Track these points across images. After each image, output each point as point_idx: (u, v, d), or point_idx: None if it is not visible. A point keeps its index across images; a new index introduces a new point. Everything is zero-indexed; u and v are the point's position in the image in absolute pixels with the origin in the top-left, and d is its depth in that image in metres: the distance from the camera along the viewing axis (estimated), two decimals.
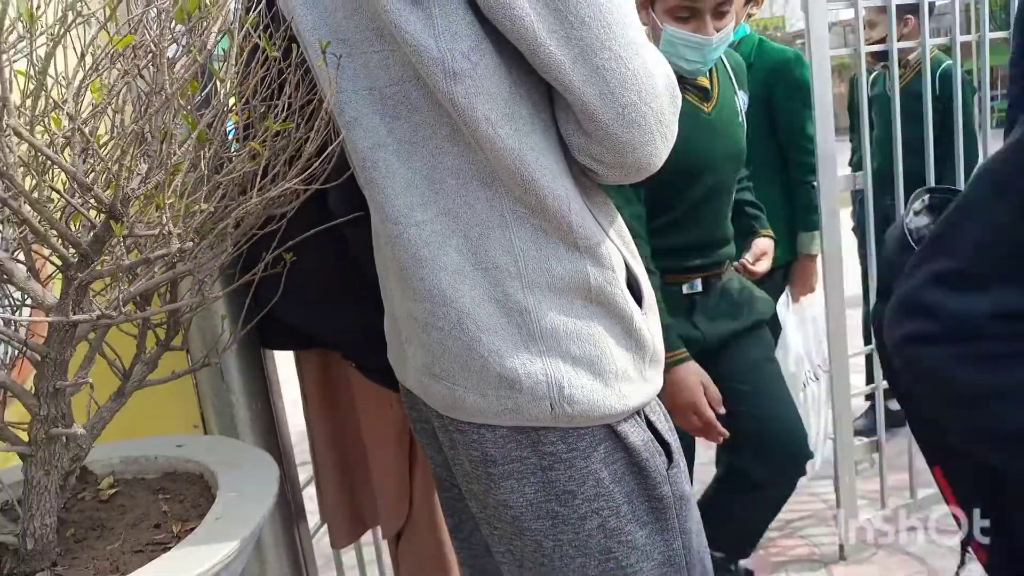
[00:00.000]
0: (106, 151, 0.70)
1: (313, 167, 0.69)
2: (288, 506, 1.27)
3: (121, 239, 0.59)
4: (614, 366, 0.76)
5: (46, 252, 0.73)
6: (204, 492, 0.85)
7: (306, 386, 1.38)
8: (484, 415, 0.76)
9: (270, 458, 0.84)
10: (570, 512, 0.77)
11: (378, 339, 0.98)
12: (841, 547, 2.06)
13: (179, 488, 0.87)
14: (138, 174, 0.62)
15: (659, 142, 0.70)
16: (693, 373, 1.46)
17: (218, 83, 0.78)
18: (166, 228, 0.61)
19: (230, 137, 0.87)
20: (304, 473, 1.57)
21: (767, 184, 1.98)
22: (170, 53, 0.67)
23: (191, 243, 0.63)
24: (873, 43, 2.14)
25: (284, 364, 1.37)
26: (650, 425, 0.80)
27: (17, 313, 0.79)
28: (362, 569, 1.67)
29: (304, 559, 1.29)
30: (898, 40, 1.97)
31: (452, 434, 0.81)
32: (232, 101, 0.81)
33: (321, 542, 1.67)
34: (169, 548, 0.71)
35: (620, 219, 0.82)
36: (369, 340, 1.07)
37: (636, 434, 0.78)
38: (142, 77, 0.69)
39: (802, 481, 2.47)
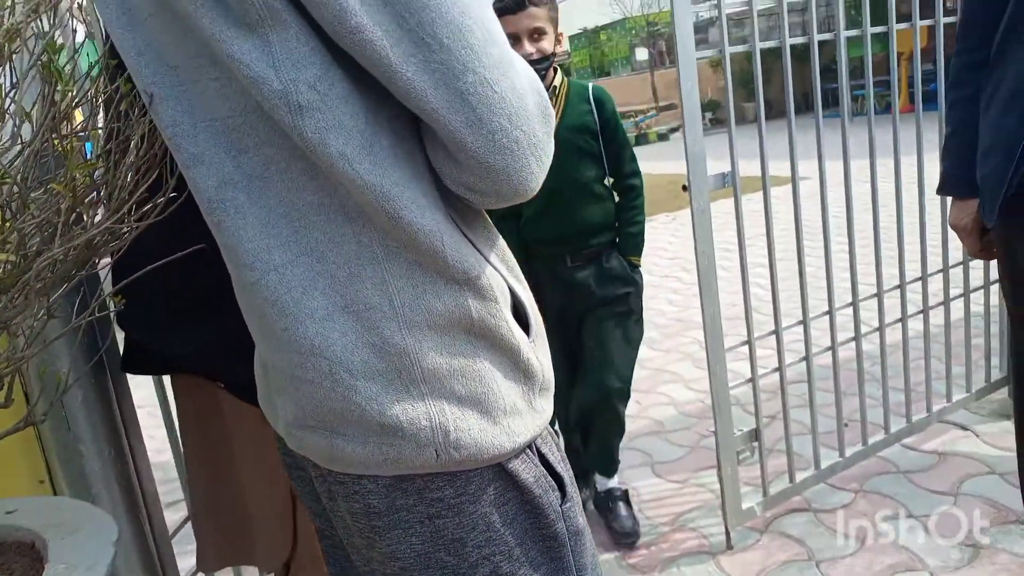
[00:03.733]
0: None
1: (125, 208, 0.63)
2: (151, 556, 1.19)
3: None
4: (502, 402, 0.72)
5: None
6: (35, 564, 0.77)
7: (180, 414, 1.31)
8: (366, 465, 0.71)
9: (110, 520, 0.77)
10: (460, 561, 0.73)
11: (243, 351, 0.91)
12: (728, 536, 2.13)
13: (7, 561, 0.79)
14: None
15: (534, 166, 0.66)
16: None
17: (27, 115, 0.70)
18: None
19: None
20: (179, 513, 1.48)
21: None
22: None
23: None
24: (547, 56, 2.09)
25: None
26: (542, 458, 0.77)
27: None
28: None
29: None
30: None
31: (331, 485, 0.76)
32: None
33: None
34: None
35: (502, 242, 0.78)
36: (233, 353, 0.99)
37: (528, 471, 0.75)
38: None
39: (688, 474, 2.58)
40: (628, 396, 2.25)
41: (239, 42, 0.60)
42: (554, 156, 2.11)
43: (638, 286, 2.24)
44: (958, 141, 1.45)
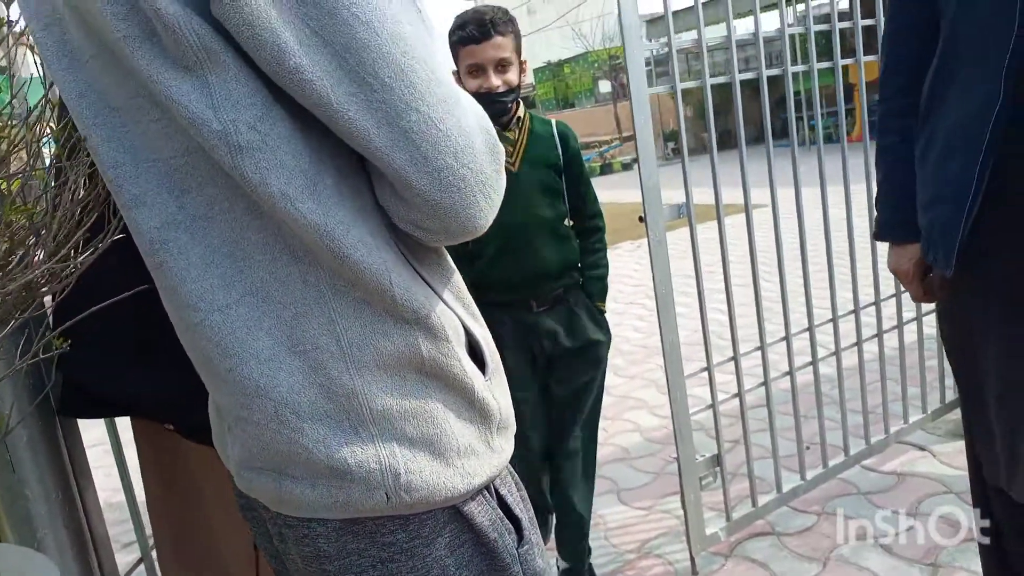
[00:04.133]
0: None
1: (66, 248, 0.63)
2: None
3: None
4: (455, 443, 0.71)
5: None
6: None
7: (140, 454, 1.30)
8: (314, 509, 0.69)
9: (52, 566, 0.76)
10: None
11: (190, 393, 0.90)
12: (692, 562, 2.13)
13: None
14: None
15: (483, 203, 0.65)
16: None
17: None
18: None
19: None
20: (132, 554, 1.44)
21: None
22: None
23: None
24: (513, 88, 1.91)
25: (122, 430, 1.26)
26: (500, 499, 0.76)
27: None
28: None
29: None
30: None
31: (281, 528, 0.75)
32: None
33: None
34: None
35: (457, 277, 0.76)
36: (181, 396, 0.98)
37: (484, 513, 0.73)
38: None
39: (654, 500, 2.59)
40: (594, 461, 2.17)
41: (177, 83, 0.60)
42: (516, 192, 1.69)
43: (607, 336, 2.11)
44: (891, 185, 1.43)
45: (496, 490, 0.76)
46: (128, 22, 0.60)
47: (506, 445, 0.77)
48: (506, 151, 1.86)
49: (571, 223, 2.08)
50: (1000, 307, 1.25)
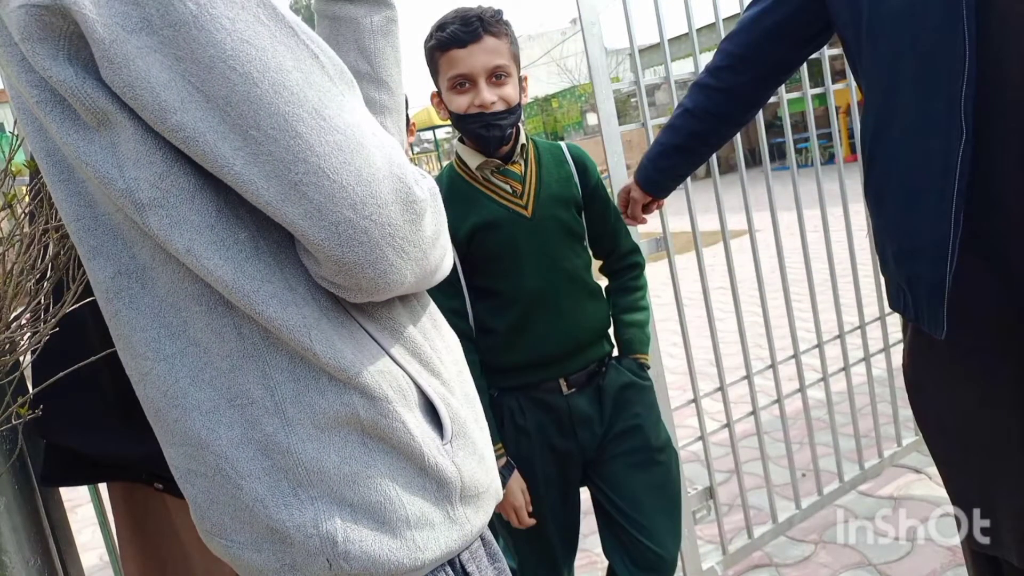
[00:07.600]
0: None
1: (18, 313, 0.64)
2: None
3: None
4: (404, 512, 0.67)
5: None
6: None
7: (118, 523, 1.29)
8: (264, 574, 0.68)
9: None
10: None
11: None
12: None
13: None
14: None
15: (393, 258, 0.62)
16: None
17: None
18: None
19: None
20: None
21: None
22: None
23: None
24: (513, 108, 1.48)
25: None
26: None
27: None
28: None
29: None
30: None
31: None
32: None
33: None
34: None
35: (414, 330, 0.72)
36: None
37: None
38: None
39: None
40: None
41: (85, 144, 0.61)
42: (534, 243, 1.59)
43: (653, 396, 1.62)
44: (657, 140, 1.59)
45: (463, 566, 0.72)
46: (40, 88, 0.61)
47: (475, 515, 0.73)
48: (515, 190, 1.51)
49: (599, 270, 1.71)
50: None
